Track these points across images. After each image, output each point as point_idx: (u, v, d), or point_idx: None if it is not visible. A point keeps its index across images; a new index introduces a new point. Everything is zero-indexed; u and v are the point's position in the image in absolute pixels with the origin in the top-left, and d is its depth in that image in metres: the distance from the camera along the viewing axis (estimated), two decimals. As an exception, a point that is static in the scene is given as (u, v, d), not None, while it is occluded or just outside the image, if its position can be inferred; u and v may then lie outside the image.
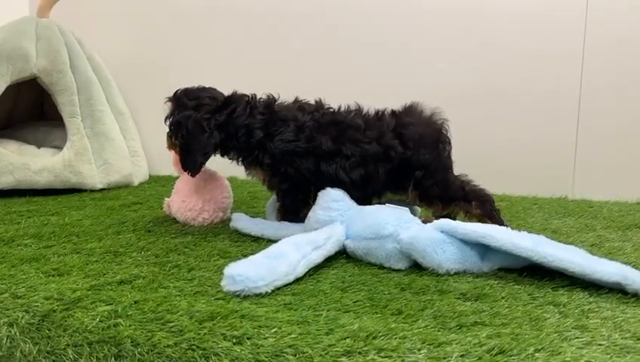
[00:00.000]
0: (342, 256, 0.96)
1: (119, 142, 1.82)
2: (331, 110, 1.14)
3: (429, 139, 1.12)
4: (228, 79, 1.99)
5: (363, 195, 1.09)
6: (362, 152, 1.08)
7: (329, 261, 0.93)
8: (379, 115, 1.14)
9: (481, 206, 1.12)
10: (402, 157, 1.10)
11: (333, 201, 1.00)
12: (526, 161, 1.75)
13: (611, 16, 1.64)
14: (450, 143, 1.16)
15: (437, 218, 1.23)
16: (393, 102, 1.17)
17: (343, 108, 1.15)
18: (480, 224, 0.91)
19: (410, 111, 1.13)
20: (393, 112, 1.14)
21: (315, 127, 1.10)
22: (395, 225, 0.91)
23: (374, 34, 1.84)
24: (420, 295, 0.78)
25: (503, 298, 0.77)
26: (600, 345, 0.62)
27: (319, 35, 1.91)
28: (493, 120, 1.72)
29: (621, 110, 1.67)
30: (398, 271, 0.89)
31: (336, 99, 1.17)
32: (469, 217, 1.12)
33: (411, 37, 1.81)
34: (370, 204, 1.07)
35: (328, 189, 1.02)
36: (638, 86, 1.65)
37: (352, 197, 1.05)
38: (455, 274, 0.88)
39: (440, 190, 1.12)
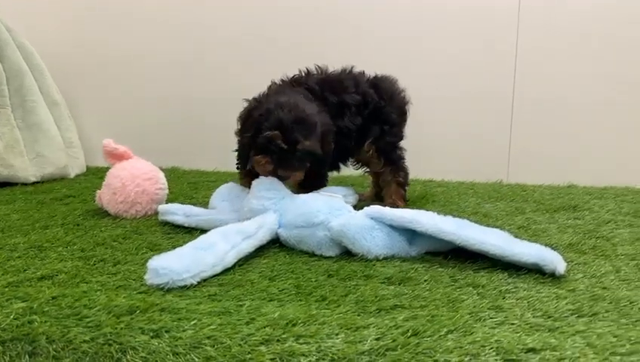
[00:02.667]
0: (275, 244, 0.96)
1: (53, 133, 1.76)
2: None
3: (399, 102, 1.27)
4: (169, 70, 1.96)
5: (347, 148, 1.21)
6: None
7: (261, 250, 0.92)
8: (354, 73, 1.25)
9: (403, 180, 1.27)
10: (377, 106, 1.21)
11: (266, 190, 1.00)
12: (463, 148, 1.80)
13: (543, 12, 1.70)
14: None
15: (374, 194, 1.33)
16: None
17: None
18: (407, 210, 0.93)
19: (385, 77, 1.27)
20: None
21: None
22: (327, 214, 0.92)
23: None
24: (347, 281, 0.79)
25: (425, 281, 0.79)
26: (512, 324, 0.64)
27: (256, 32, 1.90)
28: (432, 109, 1.75)
29: (553, 97, 1.74)
30: (329, 258, 0.90)
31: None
32: (386, 183, 1.26)
33: (351, 27, 1.82)
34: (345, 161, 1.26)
35: (262, 178, 1.02)
36: (567, 77, 1.72)
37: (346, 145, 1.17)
38: (384, 259, 0.89)
39: (391, 150, 1.25)
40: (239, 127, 1.14)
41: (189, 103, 1.98)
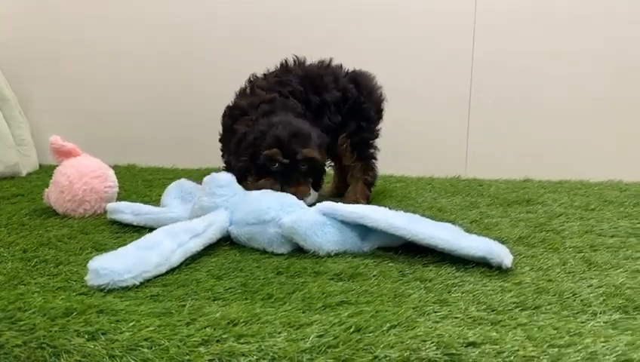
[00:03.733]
0: (226, 242, 0.95)
1: (3, 130, 1.69)
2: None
3: (376, 98, 1.30)
4: (124, 65, 1.91)
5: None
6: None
7: (211, 248, 0.91)
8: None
9: (372, 179, 1.28)
10: (356, 101, 1.23)
11: (218, 187, 0.98)
12: (423, 144, 1.82)
13: (499, 15, 1.73)
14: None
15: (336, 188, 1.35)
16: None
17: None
18: (359, 205, 0.92)
19: (364, 72, 1.29)
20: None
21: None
22: (278, 210, 0.91)
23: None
24: (295, 278, 0.78)
25: (374, 276, 0.79)
26: (455, 318, 0.64)
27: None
28: (393, 106, 1.75)
29: (510, 94, 1.77)
30: (281, 255, 0.89)
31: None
32: (354, 180, 1.28)
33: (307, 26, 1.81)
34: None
35: (214, 175, 1.00)
36: (523, 75, 1.75)
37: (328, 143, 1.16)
38: (335, 255, 0.89)
39: (365, 146, 1.27)
40: (232, 150, 1.11)
41: (146, 99, 1.93)
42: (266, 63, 1.26)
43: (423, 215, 0.93)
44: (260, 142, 1.05)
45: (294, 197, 0.98)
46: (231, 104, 1.20)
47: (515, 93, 1.77)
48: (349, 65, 1.28)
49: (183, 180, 1.15)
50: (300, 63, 1.24)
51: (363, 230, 0.91)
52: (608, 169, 1.68)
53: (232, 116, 1.16)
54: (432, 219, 0.97)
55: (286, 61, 1.25)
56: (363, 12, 1.79)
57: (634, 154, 1.73)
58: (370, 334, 0.59)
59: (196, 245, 0.86)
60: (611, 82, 1.73)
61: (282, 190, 1.03)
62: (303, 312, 0.66)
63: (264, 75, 1.24)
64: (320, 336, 0.59)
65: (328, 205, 0.92)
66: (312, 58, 1.26)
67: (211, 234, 0.89)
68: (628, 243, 0.97)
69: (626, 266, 0.83)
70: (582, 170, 1.68)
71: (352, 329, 0.60)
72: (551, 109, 1.77)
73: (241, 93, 1.22)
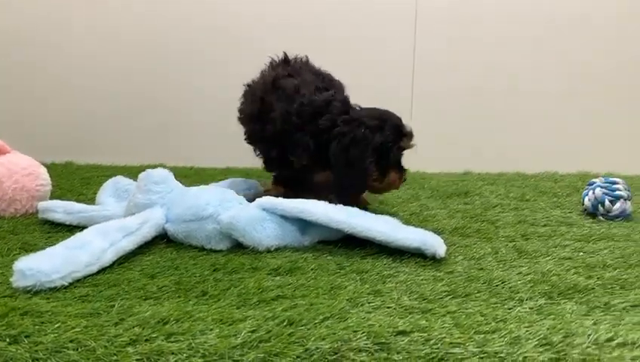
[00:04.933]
0: (162, 240, 0.93)
1: None
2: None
3: None
4: (60, 59, 1.83)
5: None
6: None
7: (146, 247, 0.88)
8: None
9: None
10: None
11: (153, 184, 0.95)
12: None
13: (439, 12, 1.76)
14: None
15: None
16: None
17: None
18: (299, 200, 0.92)
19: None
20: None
21: None
22: (216, 206, 0.90)
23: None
24: (232, 274, 0.77)
25: (312, 270, 0.79)
26: (388, 307, 0.65)
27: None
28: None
29: (451, 89, 1.81)
30: (219, 251, 0.88)
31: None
32: None
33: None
34: None
35: (149, 171, 0.97)
36: (465, 69, 1.79)
37: None
38: (275, 250, 0.88)
39: None
40: (360, 152, 1.00)
41: (82, 95, 1.87)
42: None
43: (366, 208, 0.94)
44: (386, 138, 1.01)
45: (233, 192, 0.97)
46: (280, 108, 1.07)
47: (457, 89, 1.81)
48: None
49: (119, 177, 1.12)
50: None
51: (303, 224, 0.91)
52: (545, 161, 1.74)
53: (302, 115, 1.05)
54: (375, 212, 0.98)
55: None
56: (303, 11, 1.79)
57: (569, 146, 1.80)
58: (303, 327, 0.59)
59: (129, 244, 0.83)
60: (548, 76, 1.80)
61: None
62: (238, 308, 0.65)
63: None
64: (252, 331, 0.58)
65: (268, 200, 0.91)
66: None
67: (145, 232, 0.87)
68: (558, 231, 1.01)
69: (555, 254, 0.87)
70: (520, 162, 1.75)
71: (285, 323, 0.60)
72: (490, 104, 1.82)
73: (290, 94, 1.08)
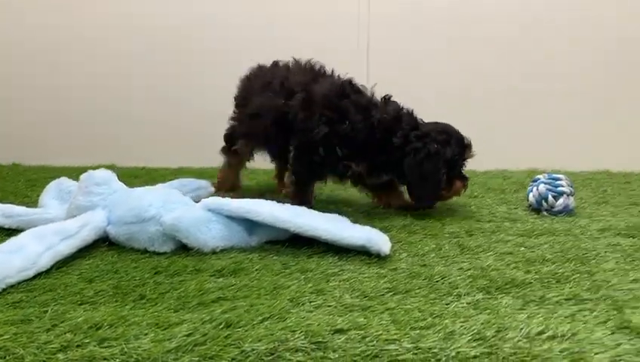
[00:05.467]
0: (104, 243, 0.91)
1: None
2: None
3: None
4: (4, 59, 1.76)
5: None
6: None
7: (87, 250, 0.86)
8: None
9: None
10: None
11: (95, 185, 0.93)
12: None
13: (391, 15, 1.78)
14: None
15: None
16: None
17: None
18: (247, 200, 0.92)
19: None
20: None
21: None
22: (159, 207, 0.88)
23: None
24: (174, 277, 0.76)
25: (256, 270, 0.78)
26: (329, 306, 0.65)
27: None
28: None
29: (404, 86, 1.82)
30: (163, 254, 0.86)
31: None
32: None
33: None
34: None
35: (91, 172, 0.95)
36: (417, 66, 1.82)
37: None
38: (221, 251, 0.87)
39: None
40: (433, 166, 1.09)
41: (29, 95, 1.81)
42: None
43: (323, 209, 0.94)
44: (454, 151, 1.10)
45: (179, 193, 0.95)
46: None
47: (410, 86, 1.82)
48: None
49: (63, 179, 1.09)
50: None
51: (250, 224, 0.91)
52: (495, 159, 1.78)
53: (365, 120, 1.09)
54: (330, 211, 0.99)
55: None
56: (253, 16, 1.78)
57: (518, 144, 1.84)
58: (240, 329, 0.59)
59: (67, 247, 0.81)
60: (498, 77, 1.84)
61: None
62: (175, 312, 0.64)
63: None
64: (188, 335, 0.57)
65: (214, 200, 0.90)
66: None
67: (85, 236, 0.84)
68: (502, 227, 1.03)
69: (496, 249, 0.89)
70: (472, 160, 1.77)
71: (222, 326, 0.59)
72: (442, 101, 1.84)
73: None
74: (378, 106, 1.12)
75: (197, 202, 0.93)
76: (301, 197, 1.14)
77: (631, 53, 1.77)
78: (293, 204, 1.08)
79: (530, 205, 1.18)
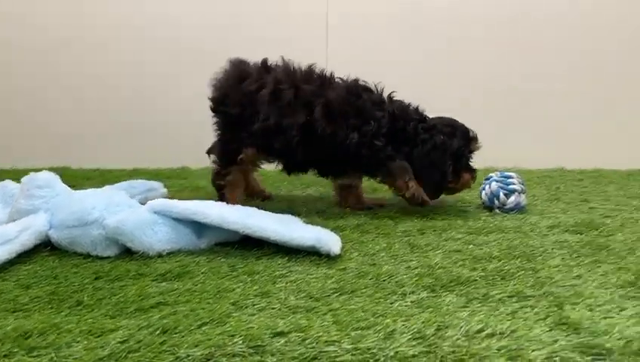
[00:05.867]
0: (46, 248, 0.87)
1: None
2: None
3: None
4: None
5: None
6: None
7: (28, 255, 0.83)
8: None
9: None
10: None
11: (37, 188, 0.90)
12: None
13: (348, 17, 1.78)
14: None
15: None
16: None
17: None
18: (195, 201, 0.90)
19: None
20: None
21: None
22: (102, 210, 0.85)
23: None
24: (115, 282, 0.74)
25: (202, 273, 0.77)
26: (273, 309, 0.64)
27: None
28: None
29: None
30: (106, 258, 0.84)
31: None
32: None
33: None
34: None
35: (32, 174, 0.92)
36: (374, 64, 1.82)
37: None
38: (168, 254, 0.85)
39: None
40: (440, 157, 1.12)
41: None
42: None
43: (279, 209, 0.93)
44: (459, 143, 1.13)
45: (123, 194, 0.93)
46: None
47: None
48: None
49: (6, 181, 1.05)
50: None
51: (199, 226, 0.89)
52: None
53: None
54: (285, 211, 0.98)
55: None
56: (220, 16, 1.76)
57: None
58: (177, 334, 0.57)
59: (6, 253, 0.78)
60: (456, 76, 1.86)
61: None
62: (112, 318, 0.62)
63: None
64: (122, 342, 0.55)
65: (161, 202, 0.88)
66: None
67: (25, 240, 0.81)
68: (454, 225, 1.04)
69: (446, 247, 0.89)
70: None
71: (158, 332, 0.58)
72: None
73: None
74: (386, 102, 1.15)
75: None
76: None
77: (592, 53, 1.82)
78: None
79: (483, 203, 1.19)
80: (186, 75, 1.76)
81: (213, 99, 1.19)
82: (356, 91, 1.14)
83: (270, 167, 1.67)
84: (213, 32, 1.76)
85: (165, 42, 1.76)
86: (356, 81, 1.17)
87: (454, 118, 1.18)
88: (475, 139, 1.17)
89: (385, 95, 1.17)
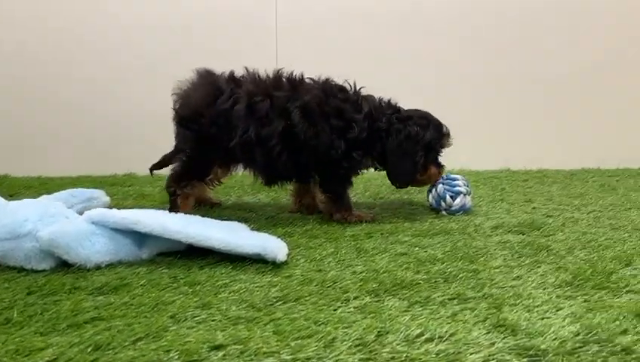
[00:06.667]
0: (-23, 263, 0.83)
1: None
2: None
3: None
4: None
5: None
6: None
7: (-46, 271, 0.78)
8: None
9: None
10: None
11: (-35, 201, 0.85)
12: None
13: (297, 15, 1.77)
14: None
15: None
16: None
17: None
18: (134, 210, 0.87)
19: None
20: None
21: None
22: (35, 221, 0.82)
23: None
24: (48, 296, 0.70)
25: (141, 286, 0.74)
26: (213, 320, 0.63)
27: None
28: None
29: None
30: (42, 271, 0.80)
31: None
32: None
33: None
34: None
35: (-39, 186, 0.87)
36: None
37: None
38: (107, 266, 0.82)
39: None
40: (413, 147, 1.12)
41: None
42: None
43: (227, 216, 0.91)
44: (432, 136, 1.14)
45: (60, 205, 0.89)
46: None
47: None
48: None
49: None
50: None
51: (140, 236, 0.86)
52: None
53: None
54: (234, 218, 0.97)
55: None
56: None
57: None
58: (110, 351, 0.55)
59: None
60: (398, 77, 1.88)
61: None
62: (42, 335, 0.59)
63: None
64: (51, 361, 0.53)
65: (98, 212, 0.85)
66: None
67: (-47, 256, 0.77)
68: (401, 228, 1.05)
69: (392, 250, 0.90)
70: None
71: (90, 349, 0.55)
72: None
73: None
74: (362, 101, 1.14)
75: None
76: (346, 205, 1.14)
77: (532, 56, 1.87)
78: (338, 217, 1.12)
79: (430, 205, 1.21)
80: (132, 81, 1.71)
81: (182, 116, 1.12)
82: (332, 92, 1.12)
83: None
84: (158, 35, 1.72)
85: (110, 46, 1.71)
86: (328, 80, 1.15)
87: (428, 112, 1.18)
88: (447, 135, 1.18)
89: (359, 92, 1.15)
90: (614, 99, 1.90)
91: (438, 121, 1.18)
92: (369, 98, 1.15)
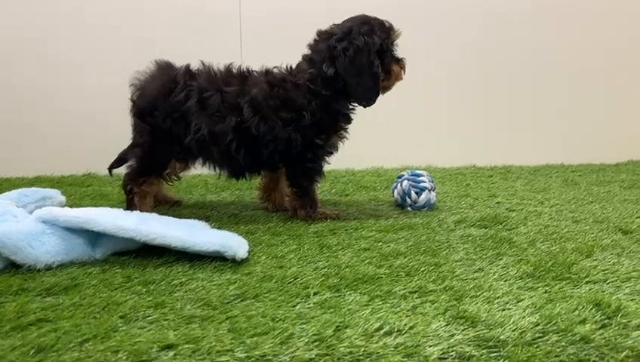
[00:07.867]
0: None
1: None
2: None
3: None
4: None
5: None
6: None
7: None
8: None
9: None
10: None
11: None
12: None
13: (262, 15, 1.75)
14: None
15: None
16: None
17: None
18: (86, 209, 0.84)
19: None
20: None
21: None
22: (-18, 221, 0.78)
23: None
24: (-8, 299, 0.67)
25: (93, 285, 0.71)
26: (166, 320, 0.60)
27: None
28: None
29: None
30: (-12, 273, 0.76)
31: None
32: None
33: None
34: None
35: None
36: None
37: None
38: (58, 266, 0.78)
39: None
40: (367, 59, 1.05)
41: None
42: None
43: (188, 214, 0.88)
44: (381, 37, 1.08)
45: (8, 204, 0.85)
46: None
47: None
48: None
49: None
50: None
51: (94, 236, 0.83)
52: (372, 157, 1.81)
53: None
54: (193, 216, 0.95)
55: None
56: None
57: (391, 143, 1.88)
58: (54, 353, 0.52)
59: None
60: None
61: None
62: (-20, 340, 0.55)
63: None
64: (-12, 366, 0.50)
65: (48, 211, 0.81)
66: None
67: None
68: (365, 224, 1.04)
69: (355, 246, 0.88)
70: (351, 160, 1.79)
71: (33, 351, 0.52)
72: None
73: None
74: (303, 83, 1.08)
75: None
76: (311, 201, 1.10)
77: (498, 55, 1.89)
78: (303, 214, 1.09)
79: (396, 201, 1.20)
80: (91, 75, 1.66)
81: (139, 108, 1.09)
82: (276, 82, 1.08)
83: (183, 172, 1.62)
84: (120, 25, 1.67)
85: (71, 39, 1.65)
86: (269, 70, 1.11)
87: (364, 14, 1.11)
88: (392, 28, 1.10)
89: (295, 74, 1.09)
90: (578, 97, 1.93)
91: (377, 19, 1.10)
92: (304, 71, 1.08)
